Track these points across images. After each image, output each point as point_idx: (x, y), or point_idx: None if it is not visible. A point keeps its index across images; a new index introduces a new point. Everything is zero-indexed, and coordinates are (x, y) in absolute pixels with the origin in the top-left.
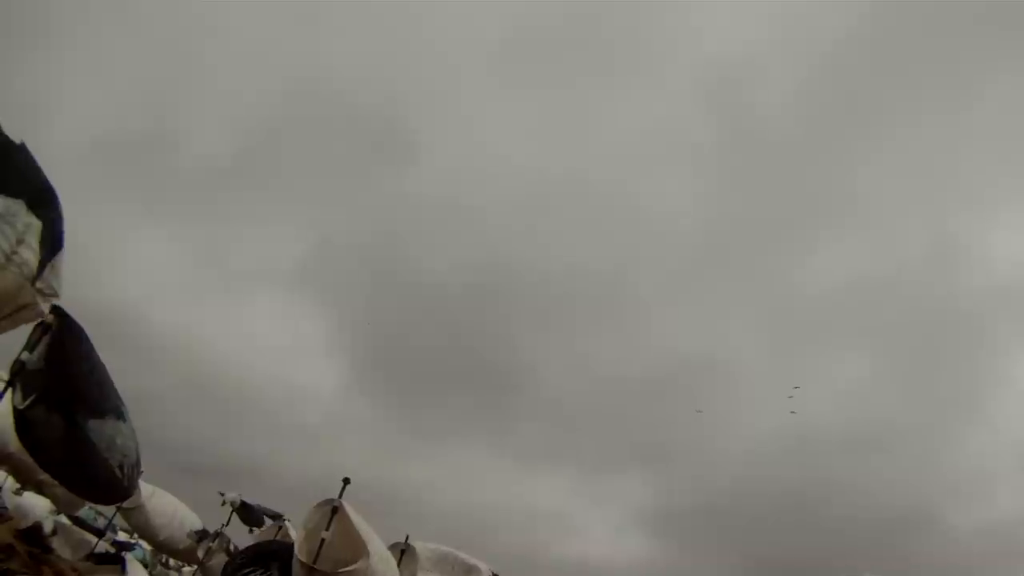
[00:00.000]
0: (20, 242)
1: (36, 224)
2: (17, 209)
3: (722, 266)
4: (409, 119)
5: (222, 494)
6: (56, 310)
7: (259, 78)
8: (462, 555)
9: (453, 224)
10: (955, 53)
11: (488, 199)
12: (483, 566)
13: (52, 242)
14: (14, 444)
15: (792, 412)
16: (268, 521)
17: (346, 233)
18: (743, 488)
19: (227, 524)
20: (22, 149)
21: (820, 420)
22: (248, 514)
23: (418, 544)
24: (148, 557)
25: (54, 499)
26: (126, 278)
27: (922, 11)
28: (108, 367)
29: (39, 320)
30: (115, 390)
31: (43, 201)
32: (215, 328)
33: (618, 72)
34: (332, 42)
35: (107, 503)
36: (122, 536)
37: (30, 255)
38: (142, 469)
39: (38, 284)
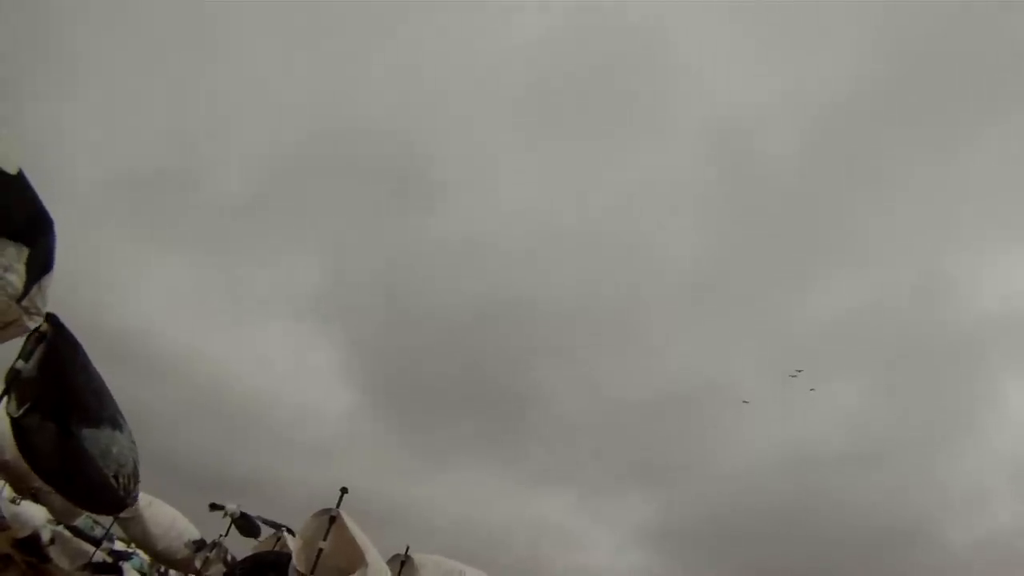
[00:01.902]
0: (6, 269)
1: (25, 252)
2: (4, 245)
3: (724, 299)
4: (428, 161)
5: (214, 506)
6: (51, 319)
7: (281, 120)
8: (467, 569)
9: (467, 258)
10: (947, 107)
11: (502, 237)
12: None
13: (41, 265)
14: (10, 453)
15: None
16: (266, 531)
17: (361, 265)
18: (743, 503)
19: (226, 534)
20: (19, 179)
21: (819, 439)
22: (247, 525)
23: (419, 555)
24: (146, 567)
25: (51, 508)
26: (142, 304)
27: (916, 69)
28: (122, 385)
29: (31, 331)
30: (112, 400)
31: (36, 229)
32: (228, 351)
33: (629, 122)
34: (356, 87)
35: (103, 512)
36: (119, 546)
37: (15, 278)
38: (140, 479)
39: (24, 303)
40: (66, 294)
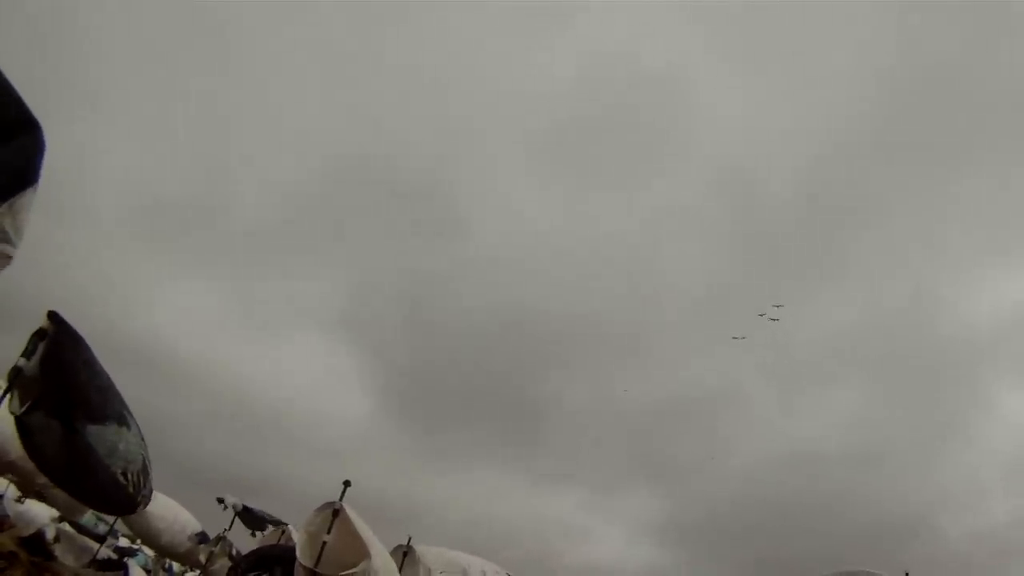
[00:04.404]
0: None
1: None
2: None
3: (730, 313)
4: (450, 184)
5: (221, 500)
6: (54, 317)
7: (306, 143)
8: (473, 558)
9: (486, 275)
10: (938, 139)
11: (520, 256)
12: (492, 568)
13: (16, 172)
14: (15, 452)
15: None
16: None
17: (382, 280)
18: (748, 499)
19: (229, 528)
20: None
21: (822, 440)
22: (250, 518)
23: (422, 547)
24: (151, 563)
25: (56, 505)
26: (170, 318)
27: (910, 103)
28: (146, 393)
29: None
30: (118, 397)
31: (14, 128)
32: (253, 363)
33: (644, 156)
34: (381, 110)
35: (115, 513)
36: (124, 542)
37: None
38: (150, 477)
39: None
40: (95, 307)
